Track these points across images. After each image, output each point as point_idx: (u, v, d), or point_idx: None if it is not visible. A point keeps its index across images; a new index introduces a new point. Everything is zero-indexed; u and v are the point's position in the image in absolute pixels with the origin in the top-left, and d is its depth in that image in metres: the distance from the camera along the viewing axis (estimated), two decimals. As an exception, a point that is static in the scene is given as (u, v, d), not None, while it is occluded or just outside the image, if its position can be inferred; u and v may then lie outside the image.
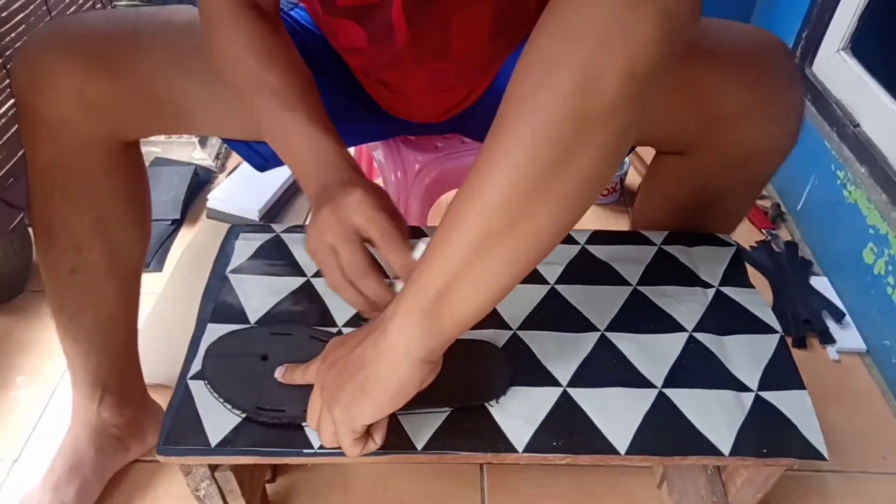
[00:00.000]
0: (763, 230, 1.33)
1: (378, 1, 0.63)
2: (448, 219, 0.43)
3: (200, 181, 1.39)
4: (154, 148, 1.42)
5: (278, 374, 0.56)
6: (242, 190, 1.30)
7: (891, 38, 1.27)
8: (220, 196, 1.29)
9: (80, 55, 0.62)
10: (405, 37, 0.65)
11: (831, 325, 1.12)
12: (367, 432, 0.50)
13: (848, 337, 1.11)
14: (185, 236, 1.26)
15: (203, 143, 1.44)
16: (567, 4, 0.39)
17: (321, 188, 0.57)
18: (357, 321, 0.63)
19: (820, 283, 1.21)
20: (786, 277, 1.22)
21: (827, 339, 1.10)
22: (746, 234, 1.32)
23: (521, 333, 0.62)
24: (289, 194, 1.36)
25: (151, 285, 1.11)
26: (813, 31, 1.33)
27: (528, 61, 0.40)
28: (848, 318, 1.14)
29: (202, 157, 1.43)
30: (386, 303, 0.51)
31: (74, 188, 0.68)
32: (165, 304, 1.09)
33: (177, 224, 1.28)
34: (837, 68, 1.28)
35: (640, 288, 0.67)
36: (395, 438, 0.54)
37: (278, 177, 1.32)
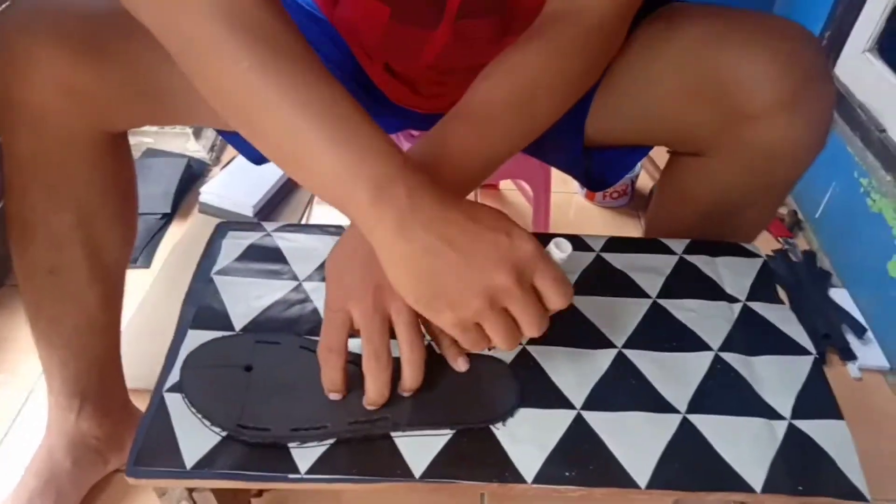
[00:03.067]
0: (779, 238, 1.28)
1: None
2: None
3: (194, 174, 1.34)
4: (146, 138, 1.37)
5: (334, 397, 0.51)
6: (237, 184, 1.25)
7: (919, 41, 1.22)
8: (213, 190, 1.24)
9: (63, 37, 0.57)
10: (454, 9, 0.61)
11: (852, 340, 1.07)
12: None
13: (870, 353, 1.06)
14: (175, 231, 1.21)
15: (198, 134, 1.39)
16: None
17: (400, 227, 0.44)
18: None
19: (839, 296, 1.15)
20: (804, 289, 1.16)
21: (848, 355, 1.05)
22: (762, 243, 1.26)
23: (530, 349, 0.57)
24: (285, 190, 1.31)
25: (138, 282, 1.06)
26: (837, 32, 1.28)
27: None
28: (870, 333, 1.09)
29: (196, 148, 1.38)
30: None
31: (56, 182, 0.64)
32: (152, 303, 1.04)
33: (167, 218, 1.23)
34: (862, 70, 1.22)
35: (660, 301, 0.62)
36: (392, 463, 0.49)
37: (274, 172, 1.27)
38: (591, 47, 0.56)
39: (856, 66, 1.24)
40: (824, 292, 1.16)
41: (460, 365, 0.53)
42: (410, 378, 0.50)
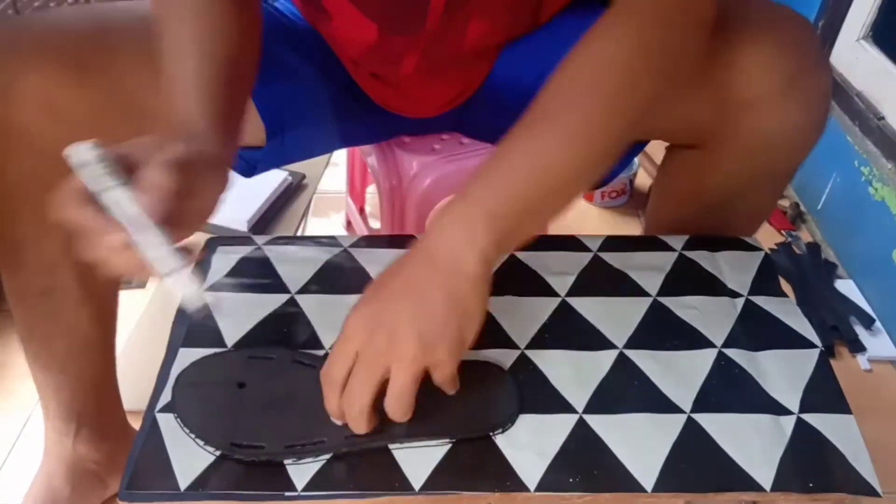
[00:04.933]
0: (782, 231, 1.26)
1: None
2: (526, 156, 0.48)
3: (190, 191, 1.33)
4: (141, 158, 1.37)
5: (334, 417, 0.49)
6: (230, 198, 1.23)
7: (913, 26, 1.21)
8: (208, 206, 1.23)
9: (47, 56, 0.57)
10: (435, 28, 0.62)
11: (860, 331, 1.06)
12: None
13: (879, 344, 1.04)
14: (172, 250, 1.21)
15: (192, 151, 1.39)
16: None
17: None
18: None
19: (846, 287, 1.14)
20: (809, 281, 1.15)
21: (857, 346, 1.03)
22: (765, 236, 1.26)
23: (529, 353, 0.56)
24: (279, 203, 1.30)
25: (134, 303, 1.06)
26: (831, 20, 1.27)
27: (620, 41, 0.50)
28: (878, 323, 1.07)
29: (192, 166, 1.38)
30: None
31: (44, 204, 0.63)
32: (148, 323, 1.03)
33: (163, 237, 1.22)
34: (858, 58, 1.21)
35: (660, 299, 0.61)
36: (391, 477, 0.47)
37: (268, 185, 1.27)
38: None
39: (851, 54, 1.23)
40: (830, 284, 1.15)
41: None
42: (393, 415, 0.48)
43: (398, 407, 0.46)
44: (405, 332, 0.44)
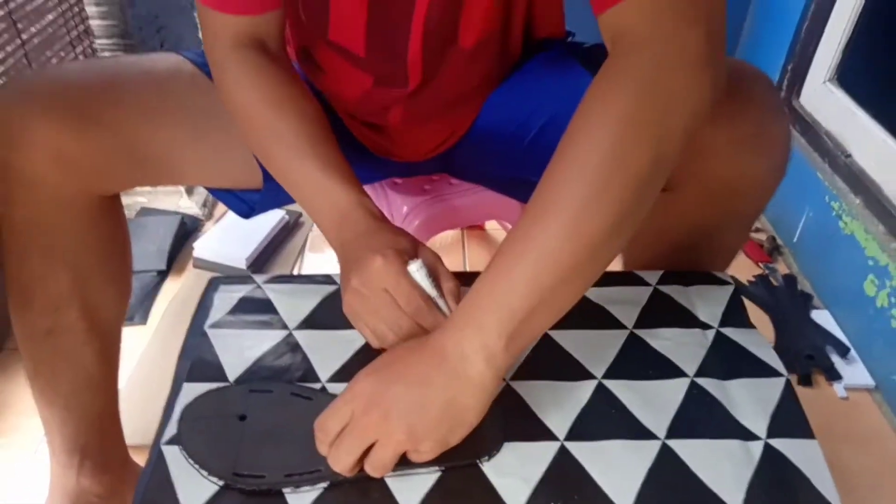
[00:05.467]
0: (760, 264, 1.31)
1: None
2: (530, 251, 0.47)
3: (188, 230, 1.37)
4: (140, 198, 1.40)
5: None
6: (229, 238, 1.28)
7: (876, 68, 1.28)
8: (206, 245, 1.27)
9: (56, 109, 0.60)
10: (418, 81, 0.67)
11: (836, 360, 1.09)
12: None
13: (855, 372, 1.08)
14: (170, 287, 1.24)
15: (190, 191, 1.42)
16: (638, 69, 0.48)
17: (341, 245, 0.57)
18: (343, 377, 0.59)
19: (821, 317, 1.18)
20: (786, 312, 1.19)
21: (833, 375, 1.07)
22: (744, 269, 1.30)
23: (513, 384, 0.59)
24: (277, 241, 1.34)
25: (136, 339, 1.08)
26: (798, 64, 1.33)
27: (606, 115, 0.47)
28: (853, 352, 1.11)
29: (189, 205, 1.41)
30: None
31: (52, 246, 0.66)
32: (149, 359, 1.05)
33: (162, 275, 1.25)
34: (825, 99, 1.28)
35: (636, 331, 0.64)
36: (384, 503, 0.50)
37: (266, 224, 1.30)
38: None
39: (819, 95, 1.30)
40: (806, 314, 1.19)
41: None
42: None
43: (375, 472, 0.49)
44: (398, 419, 0.47)
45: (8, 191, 0.64)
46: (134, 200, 1.39)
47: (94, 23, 1.31)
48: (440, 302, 0.55)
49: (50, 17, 1.18)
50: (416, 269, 0.54)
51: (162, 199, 1.41)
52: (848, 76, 1.26)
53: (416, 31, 0.63)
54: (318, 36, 0.67)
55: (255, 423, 0.54)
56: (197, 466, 0.52)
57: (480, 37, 0.65)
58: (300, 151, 0.59)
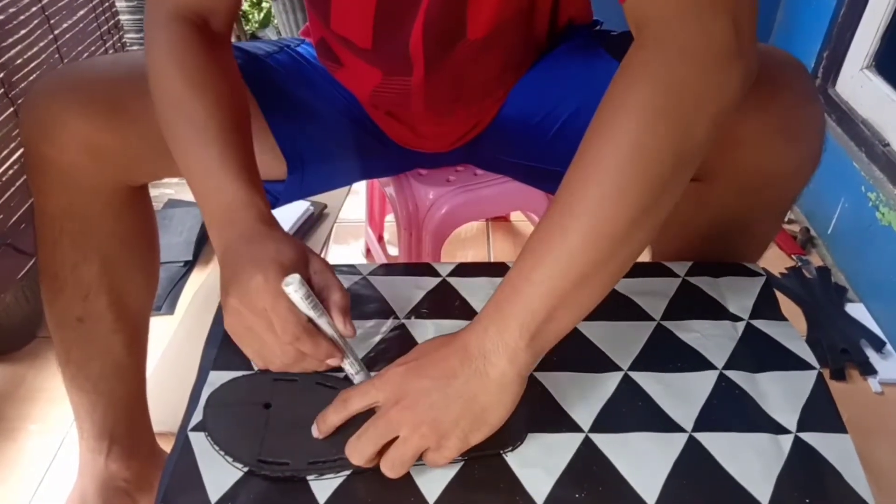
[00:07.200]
0: (793, 256, 1.28)
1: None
2: (549, 253, 0.47)
3: (215, 221, 1.38)
4: (167, 189, 1.42)
5: (315, 431, 0.52)
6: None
7: (916, 55, 1.23)
8: (233, 236, 1.28)
9: (86, 101, 0.62)
10: (421, 73, 0.65)
11: (871, 354, 1.06)
12: None
13: (890, 367, 1.05)
14: (197, 278, 1.25)
15: (217, 183, 1.44)
16: (661, 61, 0.46)
17: (224, 248, 0.53)
18: (366, 365, 0.59)
19: (856, 311, 1.15)
20: (820, 305, 1.16)
21: (868, 369, 1.04)
22: (776, 261, 1.27)
23: (538, 375, 0.58)
24: (302, 232, 1.34)
25: (163, 329, 1.09)
26: (834, 51, 1.30)
27: (627, 109, 0.46)
28: (889, 346, 1.08)
29: (216, 197, 1.43)
30: (329, 352, 0.52)
31: (83, 234, 0.67)
32: (176, 348, 1.07)
33: (189, 266, 1.27)
34: (862, 87, 1.24)
35: (664, 323, 0.63)
36: (407, 492, 0.50)
37: (291, 215, 1.31)
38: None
39: (856, 83, 1.26)
40: (841, 308, 1.16)
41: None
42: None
43: (391, 470, 0.48)
44: (423, 412, 0.47)
45: (43, 182, 0.65)
46: (161, 192, 1.41)
47: (124, 18, 1.33)
48: (322, 322, 0.52)
49: (81, 13, 1.21)
50: (292, 291, 0.50)
51: (189, 191, 1.43)
52: (886, 63, 1.22)
53: (417, 22, 0.62)
54: (324, 27, 0.67)
55: (279, 411, 0.55)
56: (222, 453, 0.52)
57: (491, 26, 0.64)
58: (206, 136, 0.55)
